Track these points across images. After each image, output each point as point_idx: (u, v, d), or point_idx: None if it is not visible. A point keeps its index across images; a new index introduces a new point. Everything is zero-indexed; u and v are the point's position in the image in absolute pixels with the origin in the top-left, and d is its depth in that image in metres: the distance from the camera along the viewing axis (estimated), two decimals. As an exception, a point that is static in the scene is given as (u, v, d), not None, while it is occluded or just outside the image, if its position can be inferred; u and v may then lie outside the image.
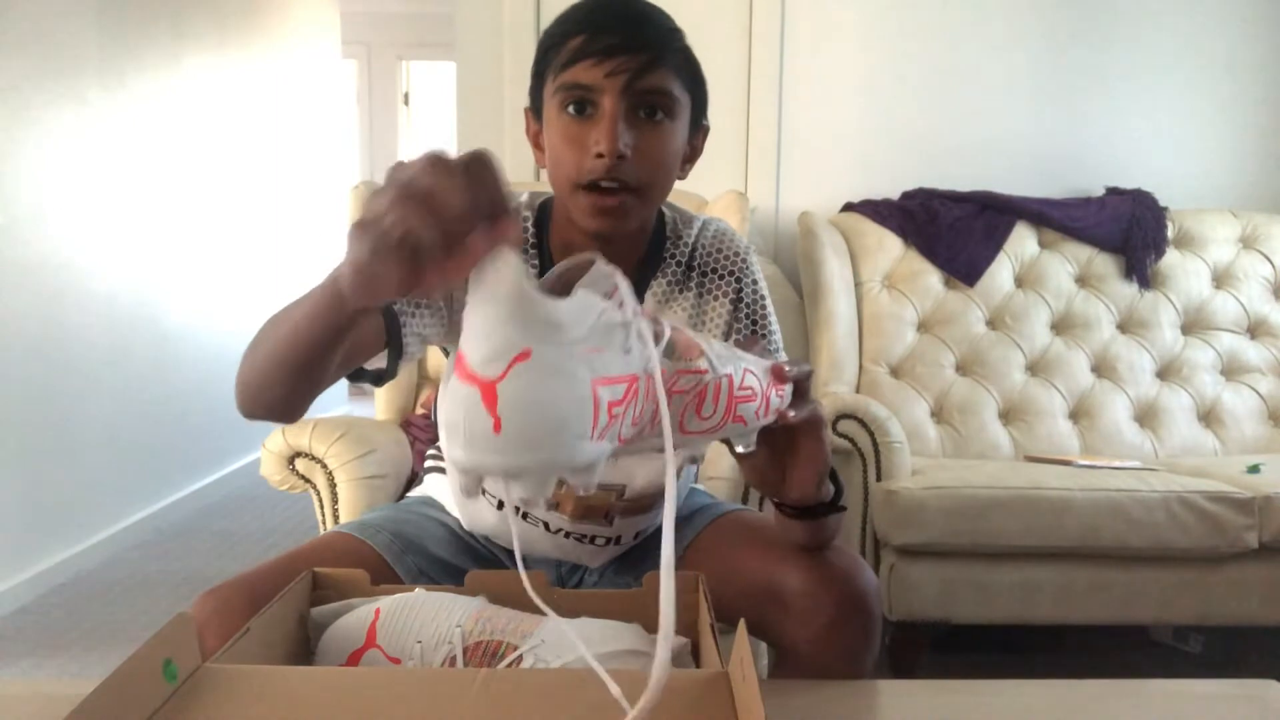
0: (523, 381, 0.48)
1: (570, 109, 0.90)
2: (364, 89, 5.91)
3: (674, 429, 0.60)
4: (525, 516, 1.06)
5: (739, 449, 0.75)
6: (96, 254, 2.82)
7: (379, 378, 0.94)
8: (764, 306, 1.09)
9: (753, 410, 0.70)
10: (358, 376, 0.93)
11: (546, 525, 1.06)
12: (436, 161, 0.51)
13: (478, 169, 0.51)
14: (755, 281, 1.09)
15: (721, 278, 1.06)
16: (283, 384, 0.81)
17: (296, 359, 0.78)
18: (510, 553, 1.14)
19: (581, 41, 0.88)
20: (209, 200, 3.50)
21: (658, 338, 0.59)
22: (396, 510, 1.15)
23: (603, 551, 1.10)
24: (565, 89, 0.90)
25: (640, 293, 1.01)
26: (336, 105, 4.87)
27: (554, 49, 0.91)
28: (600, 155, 0.88)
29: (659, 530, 1.12)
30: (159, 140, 3.15)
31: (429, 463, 1.26)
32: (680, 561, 1.08)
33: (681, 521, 1.12)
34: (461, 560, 1.08)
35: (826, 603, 0.91)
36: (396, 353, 0.91)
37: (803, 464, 0.81)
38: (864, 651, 0.93)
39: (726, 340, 1.03)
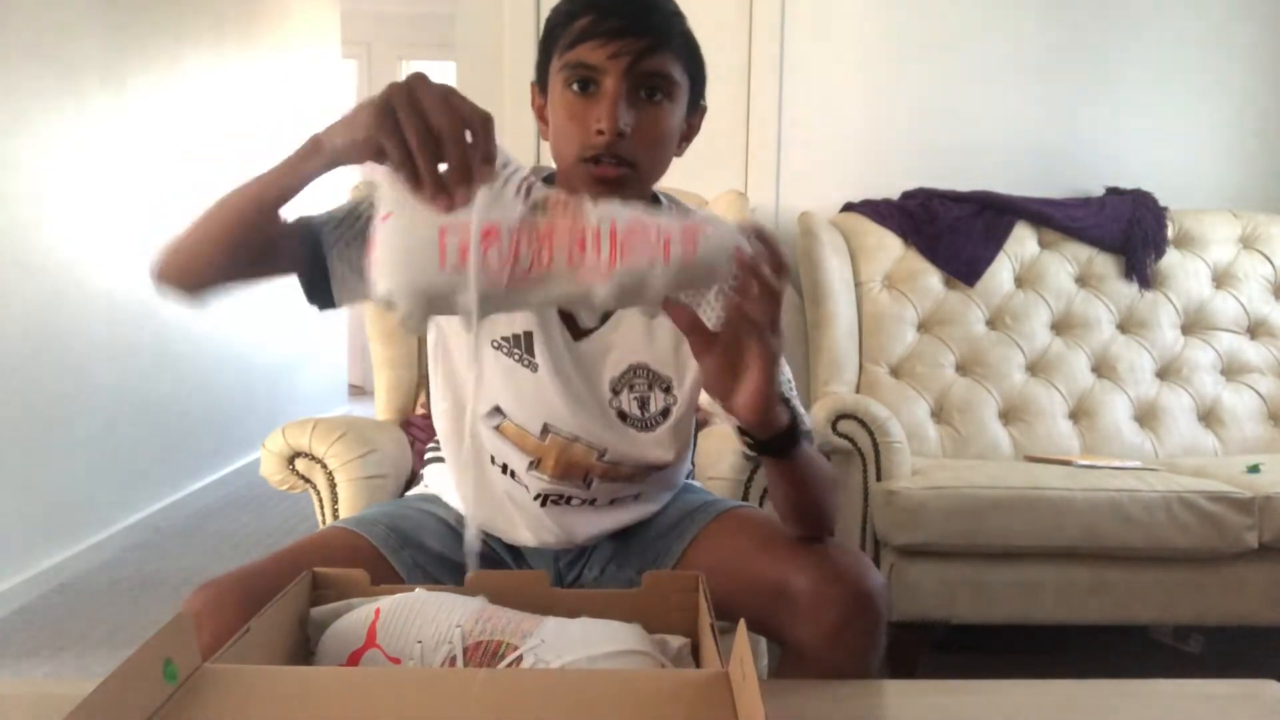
0: (383, 232, 0.72)
1: (575, 86, 0.94)
2: (364, 89, 5.90)
3: (565, 268, 0.73)
4: (514, 475, 1.09)
5: (649, 315, 0.78)
6: (97, 254, 2.81)
7: (323, 303, 0.94)
8: None
9: (646, 257, 0.73)
10: (312, 293, 0.94)
11: (528, 489, 1.08)
12: (456, 94, 0.72)
13: (486, 124, 0.72)
14: None
15: None
16: (219, 247, 0.87)
17: (244, 220, 0.85)
18: (509, 548, 1.16)
19: (588, 23, 0.92)
20: (209, 200, 3.49)
21: (528, 194, 0.75)
22: (395, 506, 1.16)
23: (580, 517, 1.11)
24: (570, 68, 0.94)
25: None
26: (336, 105, 4.87)
27: (561, 27, 0.95)
28: (601, 132, 0.92)
29: (654, 522, 1.13)
30: (159, 140, 3.15)
31: (429, 454, 1.26)
32: (683, 558, 1.08)
33: (683, 517, 1.13)
34: (459, 555, 1.09)
35: (834, 602, 0.91)
36: (323, 272, 0.92)
37: (751, 369, 0.80)
38: (870, 651, 0.93)
39: None
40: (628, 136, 0.92)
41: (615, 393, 1.05)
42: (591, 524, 1.12)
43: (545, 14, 0.99)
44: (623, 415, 1.05)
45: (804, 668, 0.94)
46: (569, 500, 1.09)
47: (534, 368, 1.03)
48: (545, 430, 1.04)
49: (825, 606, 0.91)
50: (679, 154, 1.02)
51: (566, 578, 1.15)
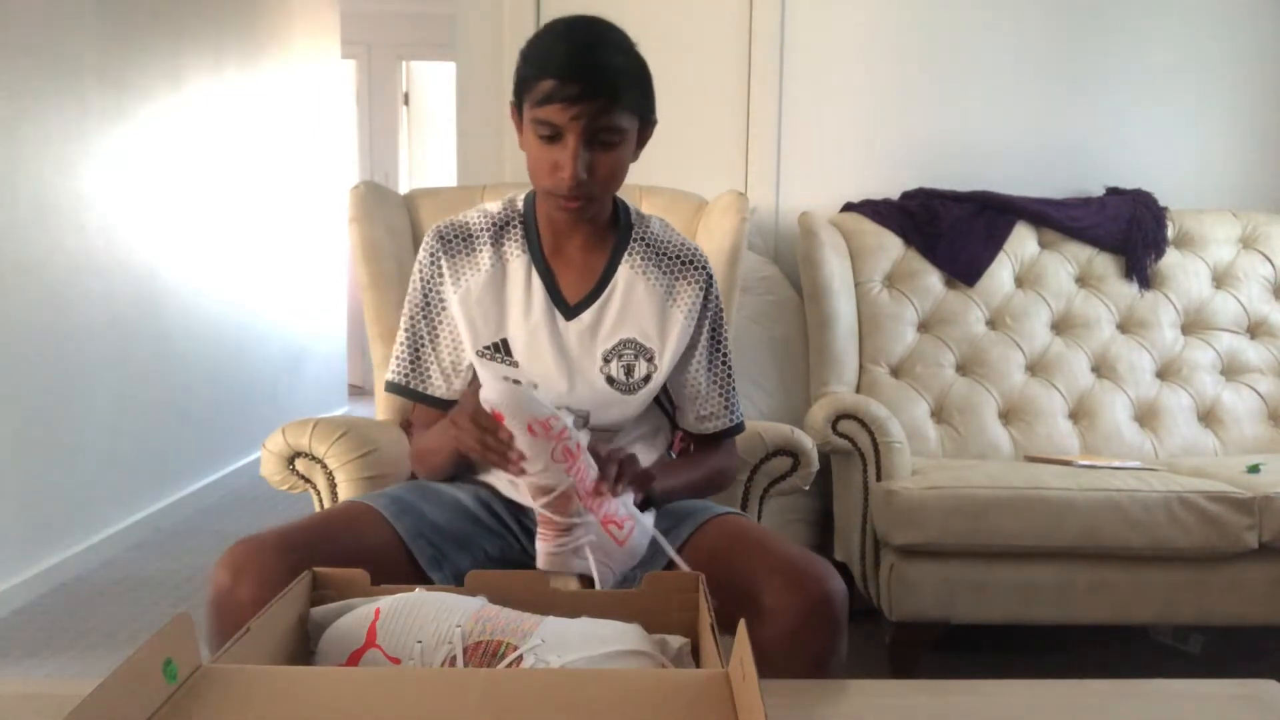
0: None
1: (543, 137, 1.14)
2: (364, 89, 5.90)
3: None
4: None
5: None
6: (97, 254, 2.81)
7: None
8: (723, 316, 1.32)
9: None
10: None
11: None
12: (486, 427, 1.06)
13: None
14: (718, 294, 1.32)
15: (687, 263, 1.30)
16: (443, 470, 1.29)
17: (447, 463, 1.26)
18: (512, 510, 1.25)
19: (552, 87, 1.10)
20: (209, 200, 3.50)
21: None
22: (401, 484, 1.31)
23: None
24: (538, 122, 1.13)
25: (615, 263, 1.28)
26: (336, 105, 4.87)
27: (530, 80, 1.13)
28: (564, 179, 1.13)
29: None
30: (159, 141, 3.15)
31: None
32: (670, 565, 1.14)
33: (676, 521, 1.21)
34: (460, 524, 1.21)
35: (792, 607, 1.00)
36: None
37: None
38: (828, 655, 1.00)
39: (700, 321, 1.30)
40: (586, 178, 1.13)
41: (606, 361, 1.25)
42: None
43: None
44: (610, 380, 1.25)
45: (764, 670, 0.97)
46: None
47: (515, 365, 1.24)
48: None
49: (784, 611, 1.00)
50: (634, 159, 1.21)
51: None
